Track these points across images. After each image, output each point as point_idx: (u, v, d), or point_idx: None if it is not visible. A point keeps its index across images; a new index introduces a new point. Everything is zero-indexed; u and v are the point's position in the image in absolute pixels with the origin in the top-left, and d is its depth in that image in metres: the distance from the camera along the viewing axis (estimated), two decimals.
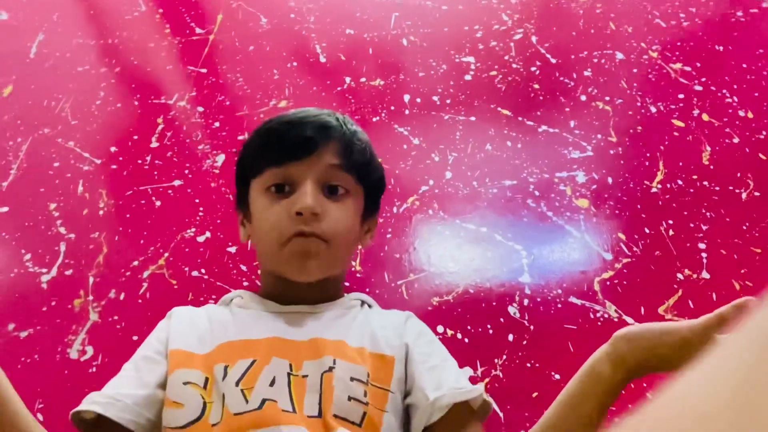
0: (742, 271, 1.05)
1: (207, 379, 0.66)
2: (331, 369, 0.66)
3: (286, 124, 0.76)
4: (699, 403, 0.15)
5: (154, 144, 1.33)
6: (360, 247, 0.85)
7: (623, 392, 0.64)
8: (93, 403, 0.66)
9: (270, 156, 0.75)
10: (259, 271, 1.05)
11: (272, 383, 0.65)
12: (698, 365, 0.17)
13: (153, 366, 0.69)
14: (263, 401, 0.63)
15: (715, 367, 0.16)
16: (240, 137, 1.33)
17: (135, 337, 0.99)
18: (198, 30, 1.58)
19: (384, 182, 0.87)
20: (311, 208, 0.70)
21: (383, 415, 0.66)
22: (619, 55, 1.47)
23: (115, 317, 1.03)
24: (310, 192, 0.71)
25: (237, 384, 0.65)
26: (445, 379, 0.69)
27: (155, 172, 1.27)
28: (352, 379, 0.66)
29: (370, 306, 0.83)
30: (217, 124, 1.37)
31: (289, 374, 0.66)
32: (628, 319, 0.99)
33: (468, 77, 1.45)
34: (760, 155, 1.24)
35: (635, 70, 1.43)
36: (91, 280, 1.09)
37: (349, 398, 0.65)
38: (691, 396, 0.16)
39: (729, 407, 0.14)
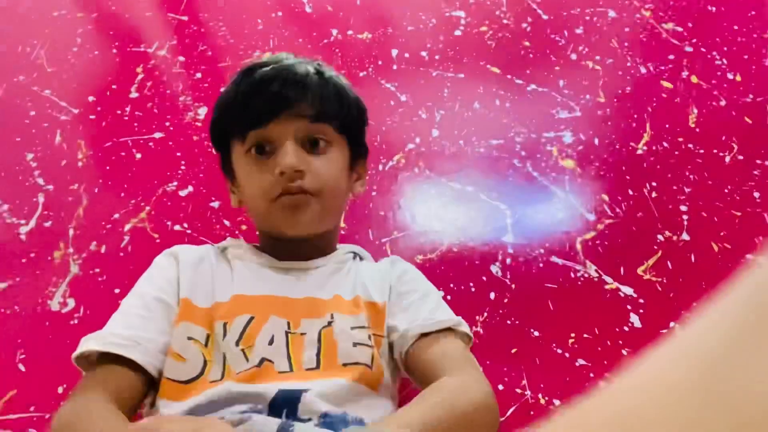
0: (722, 233, 1.06)
1: (208, 336, 0.67)
2: (330, 324, 0.68)
3: (257, 83, 0.74)
4: (670, 381, 0.16)
5: (134, 94, 1.29)
6: (351, 195, 0.84)
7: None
8: (112, 344, 0.63)
9: (246, 119, 0.73)
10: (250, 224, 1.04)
11: (271, 342, 0.66)
12: (672, 341, 0.17)
13: (166, 311, 0.69)
14: (262, 360, 0.65)
15: (688, 345, 0.16)
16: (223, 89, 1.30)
17: (117, 290, 0.98)
18: None
19: (365, 119, 0.84)
20: (294, 166, 0.70)
21: (381, 358, 0.69)
22: (612, 13, 1.44)
23: (97, 270, 1.02)
24: (291, 151, 0.71)
25: (237, 344, 0.65)
26: (420, 313, 0.71)
27: (135, 124, 1.24)
28: (353, 328, 0.68)
29: (362, 258, 0.84)
30: (198, 75, 1.33)
31: (287, 333, 0.67)
32: (608, 279, 1.00)
33: (458, 32, 1.41)
34: (746, 119, 1.24)
35: (627, 29, 1.41)
36: (71, 232, 1.07)
37: (355, 344, 0.67)
38: (664, 371, 0.16)
39: (698, 388, 0.15)
